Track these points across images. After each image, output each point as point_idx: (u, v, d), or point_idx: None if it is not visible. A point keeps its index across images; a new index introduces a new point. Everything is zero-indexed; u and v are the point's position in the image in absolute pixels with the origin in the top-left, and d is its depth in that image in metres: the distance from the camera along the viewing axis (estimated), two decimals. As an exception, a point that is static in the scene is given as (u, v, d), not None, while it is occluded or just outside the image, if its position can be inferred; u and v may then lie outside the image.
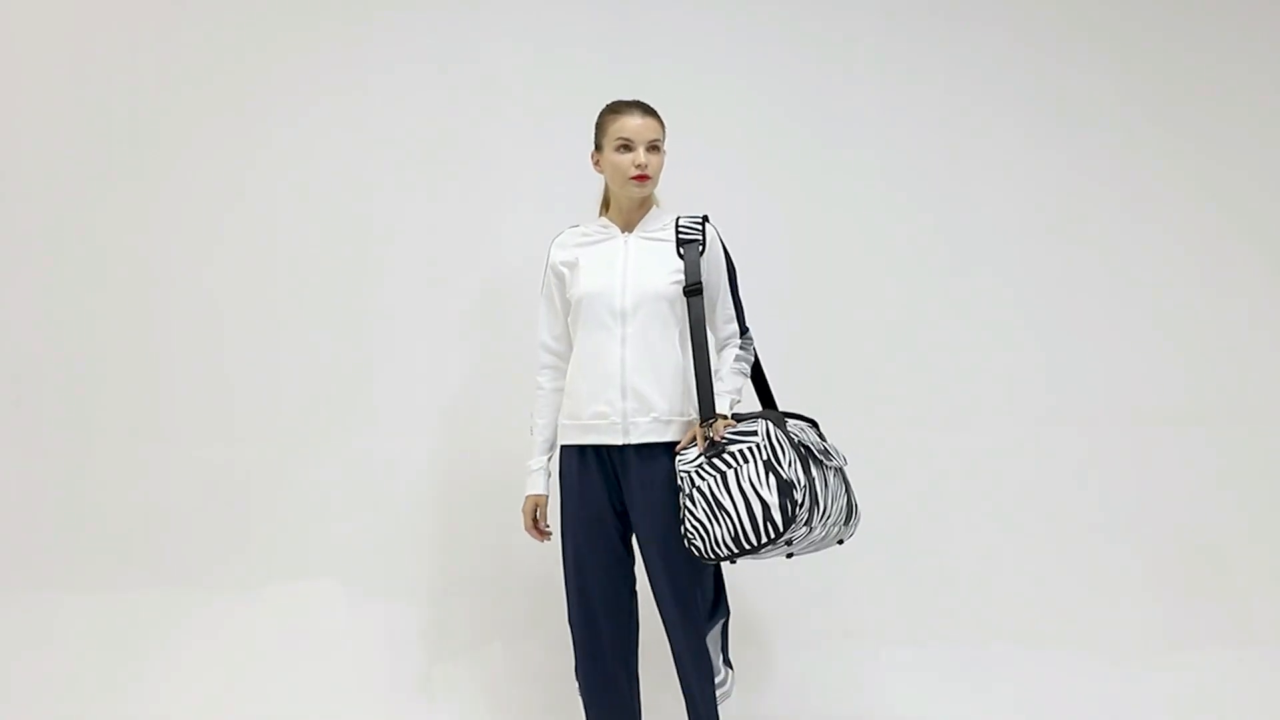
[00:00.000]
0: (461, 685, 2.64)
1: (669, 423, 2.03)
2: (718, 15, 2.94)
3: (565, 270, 2.15)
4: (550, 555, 2.73)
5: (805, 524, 1.87)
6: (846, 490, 2.07)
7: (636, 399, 2.02)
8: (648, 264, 2.09)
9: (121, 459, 2.73)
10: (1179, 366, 2.97)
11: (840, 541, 2.06)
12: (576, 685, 2.14)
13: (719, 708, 2.05)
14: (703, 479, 1.91)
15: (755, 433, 1.92)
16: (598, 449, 2.07)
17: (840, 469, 2.07)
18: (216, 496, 2.74)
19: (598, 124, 2.15)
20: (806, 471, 1.90)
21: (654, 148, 2.09)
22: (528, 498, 2.19)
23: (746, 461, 1.89)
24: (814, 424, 2.13)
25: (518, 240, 2.80)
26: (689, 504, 1.92)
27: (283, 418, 2.77)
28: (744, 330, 2.17)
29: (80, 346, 2.75)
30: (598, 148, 2.16)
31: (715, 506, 1.88)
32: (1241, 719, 2.60)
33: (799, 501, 1.85)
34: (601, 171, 2.17)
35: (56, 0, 2.79)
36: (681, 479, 1.94)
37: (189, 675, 2.61)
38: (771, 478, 1.86)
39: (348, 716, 2.56)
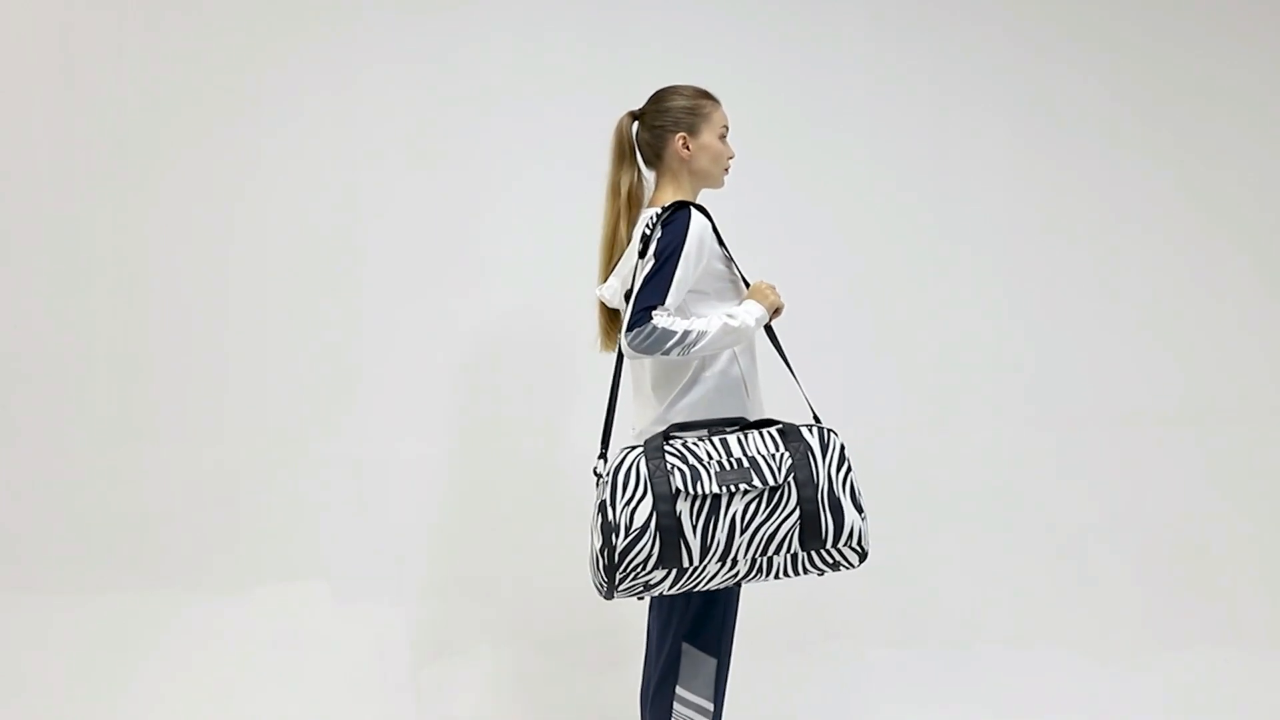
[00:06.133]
0: (449, 687, 2.62)
1: None
2: (705, 14, 2.91)
3: (719, 252, 1.98)
4: (537, 557, 2.74)
5: (660, 567, 1.71)
6: (804, 508, 1.77)
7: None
8: None
9: (109, 461, 2.70)
10: (1168, 367, 2.96)
11: (825, 565, 1.80)
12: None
13: None
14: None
15: (608, 467, 1.79)
16: None
17: (784, 488, 1.77)
18: (205, 498, 2.71)
19: (692, 108, 2.02)
20: (664, 506, 1.72)
21: None
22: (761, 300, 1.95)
23: (597, 499, 1.79)
24: (784, 430, 1.84)
25: (507, 241, 2.78)
26: None
27: (272, 420, 2.74)
28: None
29: (67, 347, 2.71)
30: (691, 132, 2.01)
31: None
32: (1231, 719, 2.61)
33: (615, 546, 1.71)
34: (689, 156, 2.02)
35: (46, 2, 2.76)
36: None
37: (175, 677, 2.59)
38: (599, 518, 1.75)
39: (335, 718, 2.54)
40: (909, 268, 2.93)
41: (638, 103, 2.11)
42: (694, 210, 1.93)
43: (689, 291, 1.92)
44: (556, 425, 2.69)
